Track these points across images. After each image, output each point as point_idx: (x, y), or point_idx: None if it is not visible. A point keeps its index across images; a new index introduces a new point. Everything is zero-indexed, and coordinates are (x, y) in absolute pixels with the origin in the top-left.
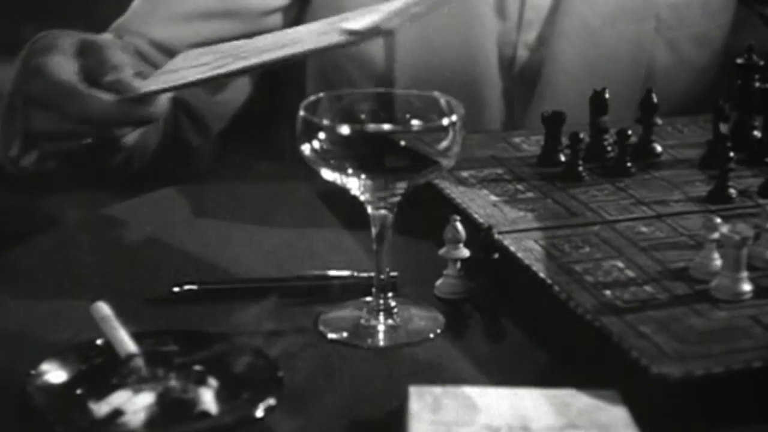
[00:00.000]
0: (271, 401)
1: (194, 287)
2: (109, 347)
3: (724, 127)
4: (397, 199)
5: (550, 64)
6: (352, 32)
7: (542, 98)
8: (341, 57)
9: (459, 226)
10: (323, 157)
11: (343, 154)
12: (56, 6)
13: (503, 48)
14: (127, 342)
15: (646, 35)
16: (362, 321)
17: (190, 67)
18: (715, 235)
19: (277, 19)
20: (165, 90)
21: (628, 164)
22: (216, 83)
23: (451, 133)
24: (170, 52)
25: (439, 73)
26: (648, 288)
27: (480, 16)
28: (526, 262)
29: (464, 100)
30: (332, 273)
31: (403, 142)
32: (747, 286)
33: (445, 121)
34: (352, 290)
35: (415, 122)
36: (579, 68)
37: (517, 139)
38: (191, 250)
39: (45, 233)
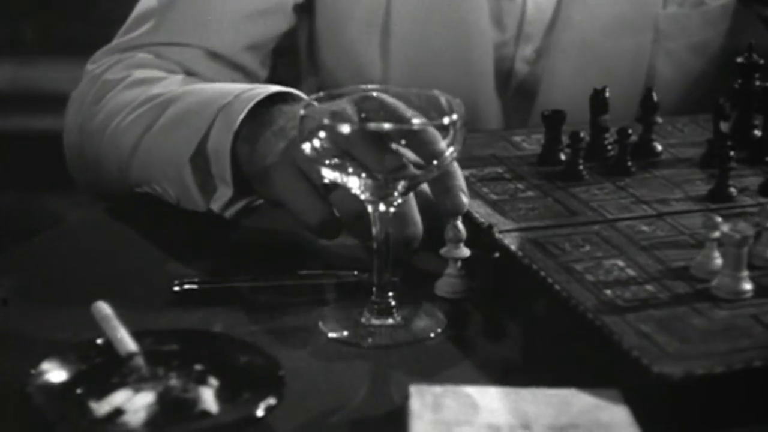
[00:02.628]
0: (272, 400)
1: (194, 286)
2: (110, 347)
3: (724, 126)
4: (397, 197)
5: (547, 78)
6: None
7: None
8: (336, 69)
9: (460, 225)
10: (323, 156)
11: (343, 153)
12: (55, 4)
13: (501, 62)
14: (127, 341)
15: (644, 47)
16: (363, 320)
17: None
18: (716, 234)
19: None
20: None
21: (629, 163)
22: None
23: (451, 132)
24: (223, 62)
25: (434, 86)
26: (649, 287)
27: (476, 28)
28: (527, 261)
29: None
30: (333, 272)
31: (403, 141)
32: (748, 285)
33: (446, 120)
34: (352, 289)
35: (416, 121)
36: (577, 82)
37: (517, 138)
38: (192, 249)
39: (46, 232)
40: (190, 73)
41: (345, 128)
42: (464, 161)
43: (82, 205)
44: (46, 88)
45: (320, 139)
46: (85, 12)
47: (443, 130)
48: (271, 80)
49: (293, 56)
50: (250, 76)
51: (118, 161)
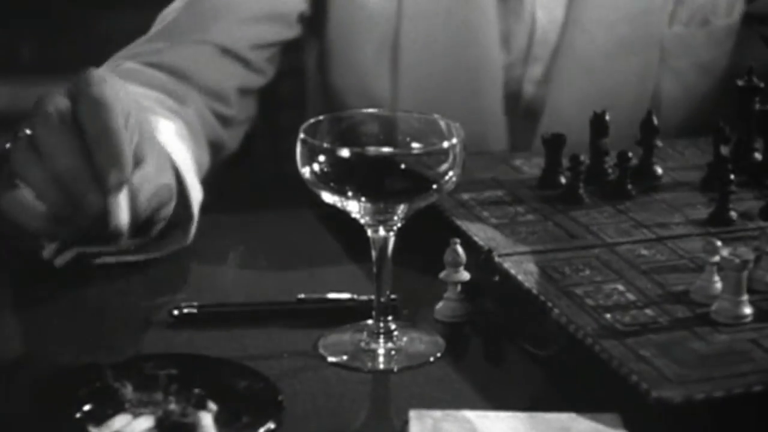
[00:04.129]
0: (271, 425)
1: (194, 310)
2: (110, 371)
3: (724, 149)
4: (396, 221)
5: (554, 98)
6: None
7: (547, 133)
8: (345, 90)
9: (459, 249)
10: (323, 179)
11: (343, 176)
12: (55, 22)
13: (509, 83)
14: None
15: (650, 67)
16: (362, 344)
17: None
18: (716, 258)
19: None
20: None
21: (629, 186)
22: None
23: (451, 156)
24: (233, 57)
25: (443, 108)
26: (648, 311)
27: (486, 50)
28: (527, 285)
29: (467, 134)
30: (332, 296)
31: (403, 165)
32: (747, 310)
33: (446, 144)
34: (352, 313)
35: (415, 145)
36: (584, 102)
37: (517, 162)
38: (191, 273)
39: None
40: (187, 78)
41: (344, 152)
42: (464, 185)
43: None
44: None
45: (320, 163)
46: (85, 31)
47: (443, 154)
48: (276, 99)
49: (300, 76)
50: (257, 72)
51: None
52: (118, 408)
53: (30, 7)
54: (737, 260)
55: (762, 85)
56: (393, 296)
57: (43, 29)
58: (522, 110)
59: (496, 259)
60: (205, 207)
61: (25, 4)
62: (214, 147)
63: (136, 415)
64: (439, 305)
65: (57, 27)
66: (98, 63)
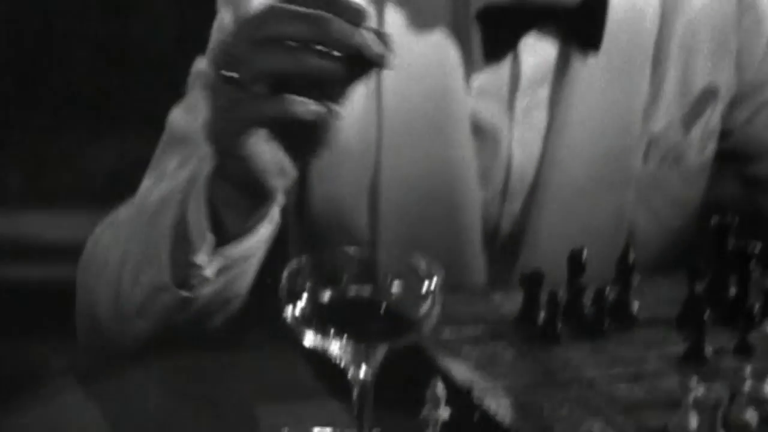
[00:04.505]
0: None
1: None
2: None
3: (699, 287)
4: (377, 361)
5: (532, 233)
6: None
7: (526, 267)
8: (325, 226)
9: (440, 387)
10: (305, 321)
11: (324, 318)
12: (40, 153)
13: (487, 218)
14: None
15: (626, 204)
16: None
17: None
18: (691, 396)
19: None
20: None
21: (606, 323)
22: None
23: (431, 298)
24: None
25: (423, 243)
26: None
27: (465, 187)
28: (506, 422)
29: (447, 268)
30: None
31: (383, 306)
32: None
33: (425, 288)
34: None
35: (396, 285)
36: (561, 237)
37: (496, 298)
38: (174, 412)
39: (32, 385)
40: None
41: (325, 295)
42: (444, 321)
43: (66, 354)
44: (30, 237)
45: (302, 306)
46: (69, 162)
47: (423, 296)
48: None
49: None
50: None
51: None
52: None
53: (15, 139)
54: (712, 398)
55: (735, 222)
56: None
57: (28, 161)
58: (500, 245)
59: (476, 396)
60: (184, 346)
61: (9, 136)
62: None
63: None
64: None
65: (42, 159)
66: (82, 196)
